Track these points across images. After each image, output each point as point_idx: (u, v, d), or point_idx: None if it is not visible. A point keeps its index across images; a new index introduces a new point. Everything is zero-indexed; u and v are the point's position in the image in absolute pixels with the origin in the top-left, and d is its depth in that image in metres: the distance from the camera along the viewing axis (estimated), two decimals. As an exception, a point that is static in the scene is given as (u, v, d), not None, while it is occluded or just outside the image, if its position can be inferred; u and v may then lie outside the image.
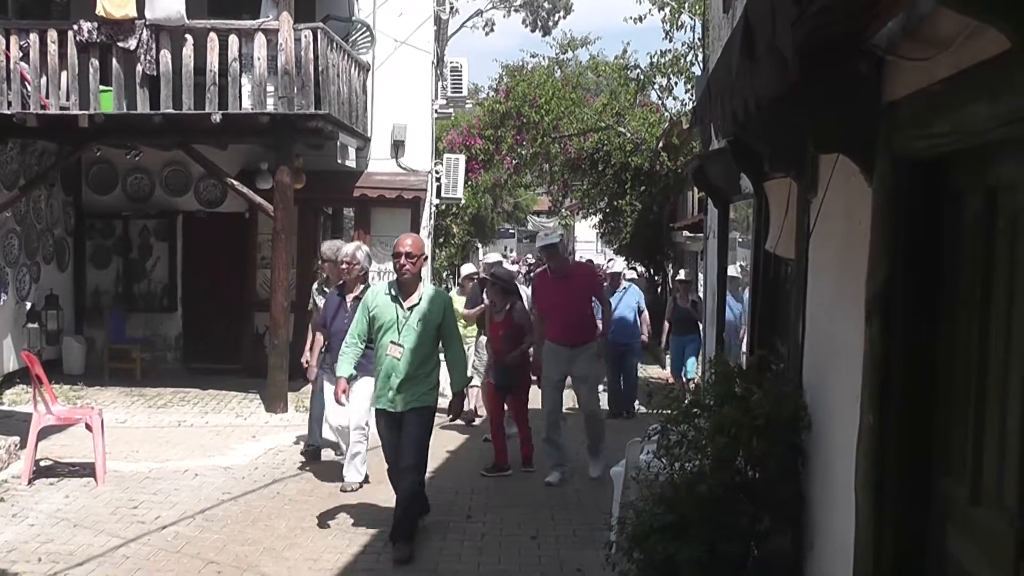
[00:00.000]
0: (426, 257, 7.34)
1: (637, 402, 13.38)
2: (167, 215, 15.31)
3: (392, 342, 6.90)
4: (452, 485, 8.97)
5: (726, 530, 4.33)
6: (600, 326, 10.01)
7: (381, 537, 7.29)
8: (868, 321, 3.23)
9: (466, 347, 10.43)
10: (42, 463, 8.94)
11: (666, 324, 15.22)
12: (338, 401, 7.44)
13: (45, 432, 8.99)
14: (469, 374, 10.36)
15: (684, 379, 13.99)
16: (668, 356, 15.55)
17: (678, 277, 16.23)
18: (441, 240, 22.15)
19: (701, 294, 14.21)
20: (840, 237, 3.85)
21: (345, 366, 7.22)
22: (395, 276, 7.20)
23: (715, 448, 4.46)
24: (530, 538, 7.49)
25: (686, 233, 18.36)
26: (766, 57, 2.45)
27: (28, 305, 13.81)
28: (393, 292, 7.03)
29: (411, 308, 6.95)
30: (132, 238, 15.28)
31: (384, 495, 8.49)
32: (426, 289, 7.11)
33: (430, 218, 16.17)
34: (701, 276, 14.47)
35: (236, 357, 14.91)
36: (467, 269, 13.37)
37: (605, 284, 13.63)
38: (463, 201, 18.70)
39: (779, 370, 4.85)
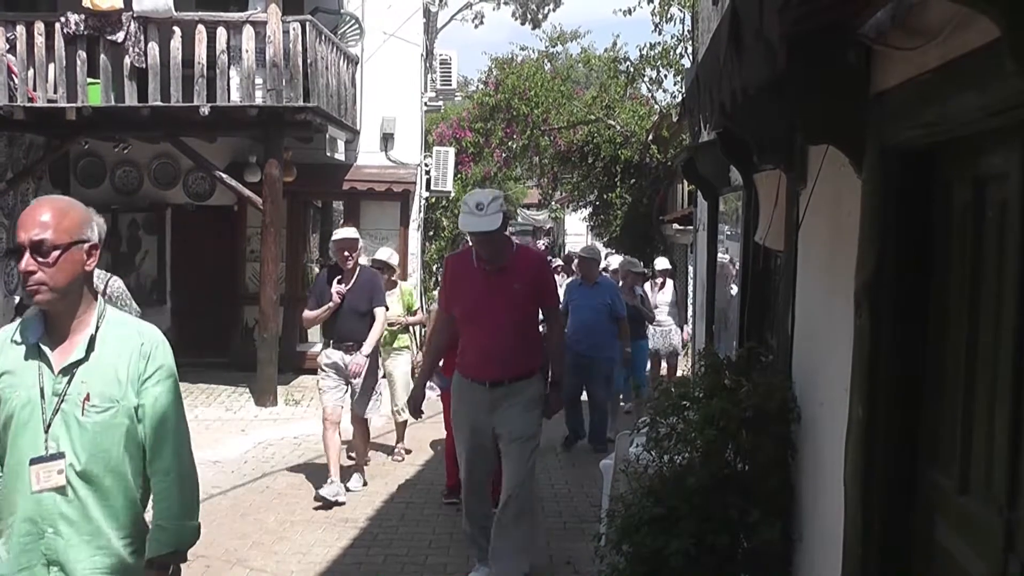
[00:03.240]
0: (93, 245, 3.08)
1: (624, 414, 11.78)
2: (156, 208, 15.27)
3: (34, 460, 3.03)
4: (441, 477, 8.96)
5: (715, 522, 4.32)
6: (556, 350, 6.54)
7: (370, 530, 7.29)
8: (857, 312, 3.23)
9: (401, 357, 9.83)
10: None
11: None
12: None
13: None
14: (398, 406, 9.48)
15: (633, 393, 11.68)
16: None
17: (627, 266, 12.64)
18: (431, 233, 22.09)
19: (692, 287, 13.35)
20: (829, 228, 3.84)
21: None
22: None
23: (704, 440, 4.45)
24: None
25: (676, 226, 18.37)
26: (754, 46, 2.44)
27: (16, 299, 13.74)
28: (28, 336, 3.10)
29: (68, 370, 3.07)
30: (120, 231, 15.21)
31: (374, 487, 8.51)
32: (108, 318, 3.23)
33: (420, 211, 16.15)
34: (691, 268, 14.43)
35: (225, 351, 14.88)
36: (384, 253, 9.80)
37: (572, 277, 12.52)
38: (453, 194, 18.66)
39: (768, 362, 4.84)
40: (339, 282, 8.17)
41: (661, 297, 13.11)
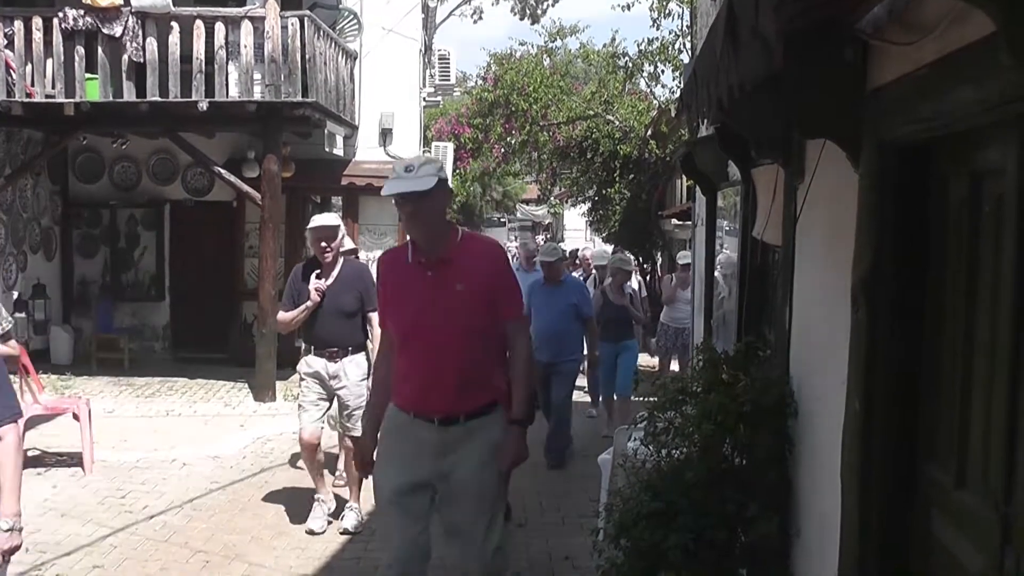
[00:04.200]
0: None
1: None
2: (154, 204, 15.28)
3: None
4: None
5: (713, 516, 4.33)
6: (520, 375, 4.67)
7: (369, 525, 7.28)
8: (854, 307, 3.23)
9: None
10: (30, 453, 8.91)
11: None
12: None
13: (32, 422, 8.98)
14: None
15: (614, 398, 10.91)
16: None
17: (616, 264, 11.67)
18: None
19: (695, 283, 13.46)
20: (827, 223, 3.85)
21: None
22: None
23: (701, 435, 4.46)
24: (517, 526, 7.48)
25: (675, 221, 18.37)
26: (750, 42, 2.44)
27: (15, 295, 13.75)
28: None
29: None
30: (119, 227, 15.24)
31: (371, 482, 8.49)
32: None
33: (418, 206, 16.12)
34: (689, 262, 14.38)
35: (224, 346, 14.90)
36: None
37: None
38: (452, 189, 18.67)
39: (766, 357, 4.85)
40: (318, 276, 7.03)
41: (683, 294, 12.46)
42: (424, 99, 16.72)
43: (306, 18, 12.32)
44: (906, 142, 2.98)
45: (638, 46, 20.46)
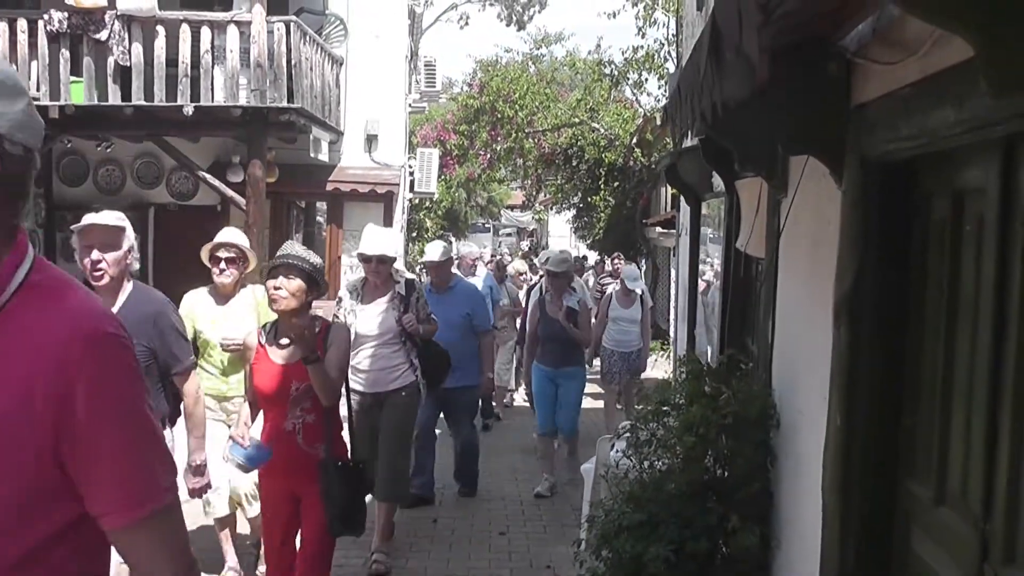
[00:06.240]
0: None
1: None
2: (138, 207, 15.16)
3: None
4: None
5: (694, 528, 4.35)
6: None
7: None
8: (836, 323, 3.25)
9: None
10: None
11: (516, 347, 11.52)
12: None
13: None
14: None
15: (556, 440, 9.11)
16: (525, 391, 9.93)
17: (555, 266, 8.84)
18: (414, 234, 22.10)
19: (674, 293, 12.70)
20: (810, 237, 3.86)
21: None
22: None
23: (684, 447, 4.47)
24: (499, 534, 7.49)
25: (659, 229, 18.41)
26: (734, 61, 2.46)
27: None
28: None
29: None
30: (103, 230, 15.13)
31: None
32: None
33: (403, 212, 16.14)
34: (673, 272, 14.40)
35: (208, 351, 14.82)
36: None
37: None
38: (437, 195, 18.68)
39: (748, 369, 4.87)
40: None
41: (627, 312, 10.62)
42: (410, 105, 16.72)
43: (292, 23, 12.29)
44: (889, 159, 3.00)
45: (623, 54, 20.53)
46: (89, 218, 4.78)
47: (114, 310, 4.51)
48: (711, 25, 2.60)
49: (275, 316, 5.00)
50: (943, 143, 2.56)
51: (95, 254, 4.63)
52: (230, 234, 6.38)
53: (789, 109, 3.25)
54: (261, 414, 5.07)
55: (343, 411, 5.37)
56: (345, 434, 5.39)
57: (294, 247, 5.01)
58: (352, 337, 6.10)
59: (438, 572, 6.60)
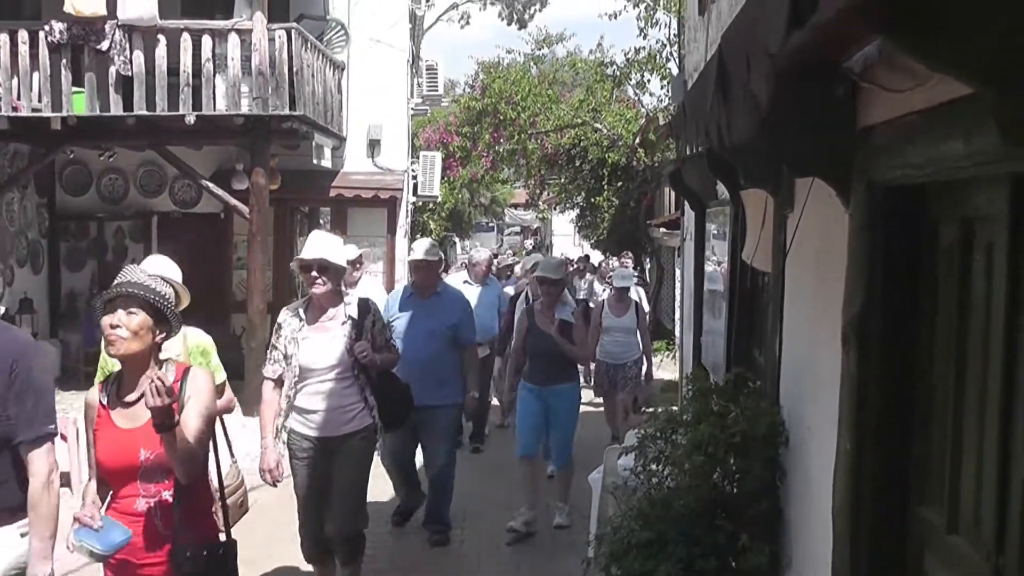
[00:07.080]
0: None
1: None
2: (142, 216, 15.22)
3: None
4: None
5: (703, 546, 4.33)
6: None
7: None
8: (844, 347, 3.22)
9: None
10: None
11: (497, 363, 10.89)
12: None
13: (19, 441, 8.87)
14: None
15: (549, 470, 8.46)
16: (508, 418, 9.69)
17: (545, 270, 8.18)
18: (418, 235, 22.09)
19: (679, 295, 12.79)
20: (817, 257, 3.83)
21: None
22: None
23: (692, 465, 4.45)
24: (507, 544, 7.48)
25: (663, 230, 18.39)
26: (741, 98, 2.43)
27: (2, 309, 13.66)
28: None
29: None
30: (107, 240, 15.18)
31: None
32: None
33: (407, 217, 16.14)
34: (678, 271, 14.34)
35: (212, 359, 14.82)
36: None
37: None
38: (440, 198, 18.69)
39: (756, 387, 4.83)
40: None
41: (619, 321, 10.22)
42: (412, 109, 16.72)
43: (293, 30, 12.28)
44: (896, 184, 2.96)
45: (625, 55, 20.51)
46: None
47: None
48: (718, 61, 2.58)
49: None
50: (951, 173, 2.53)
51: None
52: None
53: (794, 131, 3.21)
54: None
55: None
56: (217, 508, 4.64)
57: (135, 272, 4.17)
58: (295, 371, 5.76)
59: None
